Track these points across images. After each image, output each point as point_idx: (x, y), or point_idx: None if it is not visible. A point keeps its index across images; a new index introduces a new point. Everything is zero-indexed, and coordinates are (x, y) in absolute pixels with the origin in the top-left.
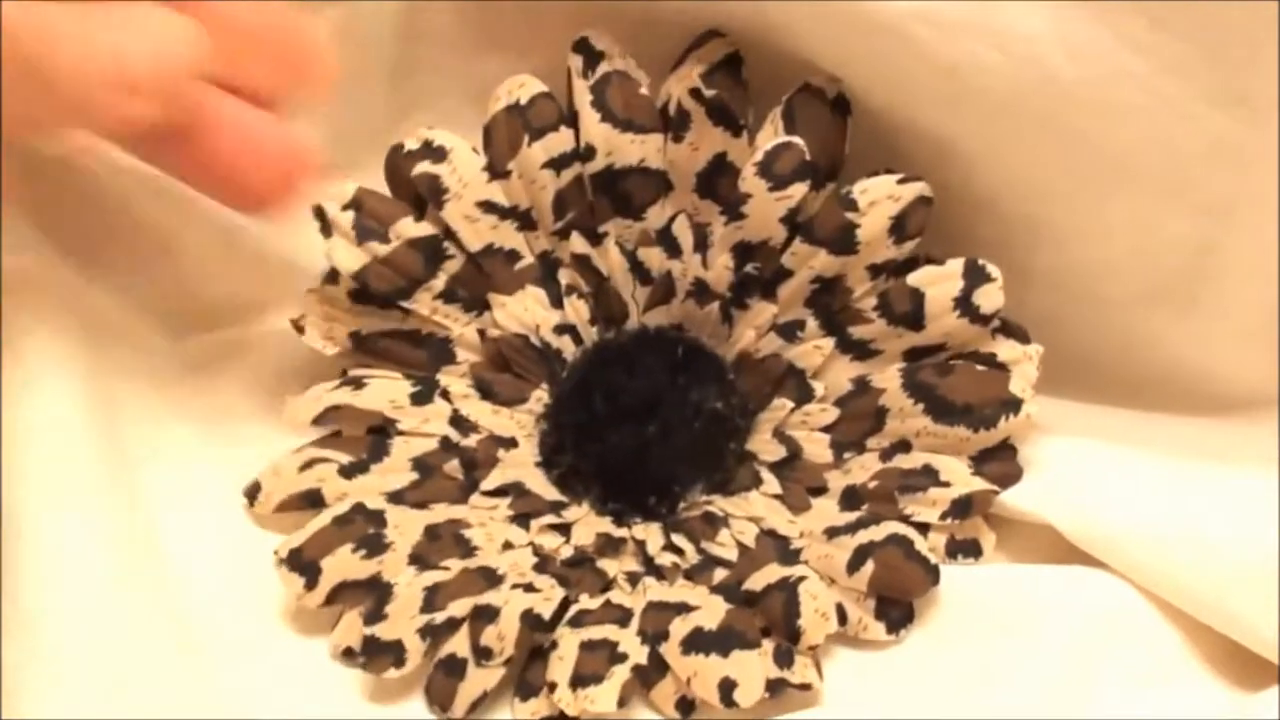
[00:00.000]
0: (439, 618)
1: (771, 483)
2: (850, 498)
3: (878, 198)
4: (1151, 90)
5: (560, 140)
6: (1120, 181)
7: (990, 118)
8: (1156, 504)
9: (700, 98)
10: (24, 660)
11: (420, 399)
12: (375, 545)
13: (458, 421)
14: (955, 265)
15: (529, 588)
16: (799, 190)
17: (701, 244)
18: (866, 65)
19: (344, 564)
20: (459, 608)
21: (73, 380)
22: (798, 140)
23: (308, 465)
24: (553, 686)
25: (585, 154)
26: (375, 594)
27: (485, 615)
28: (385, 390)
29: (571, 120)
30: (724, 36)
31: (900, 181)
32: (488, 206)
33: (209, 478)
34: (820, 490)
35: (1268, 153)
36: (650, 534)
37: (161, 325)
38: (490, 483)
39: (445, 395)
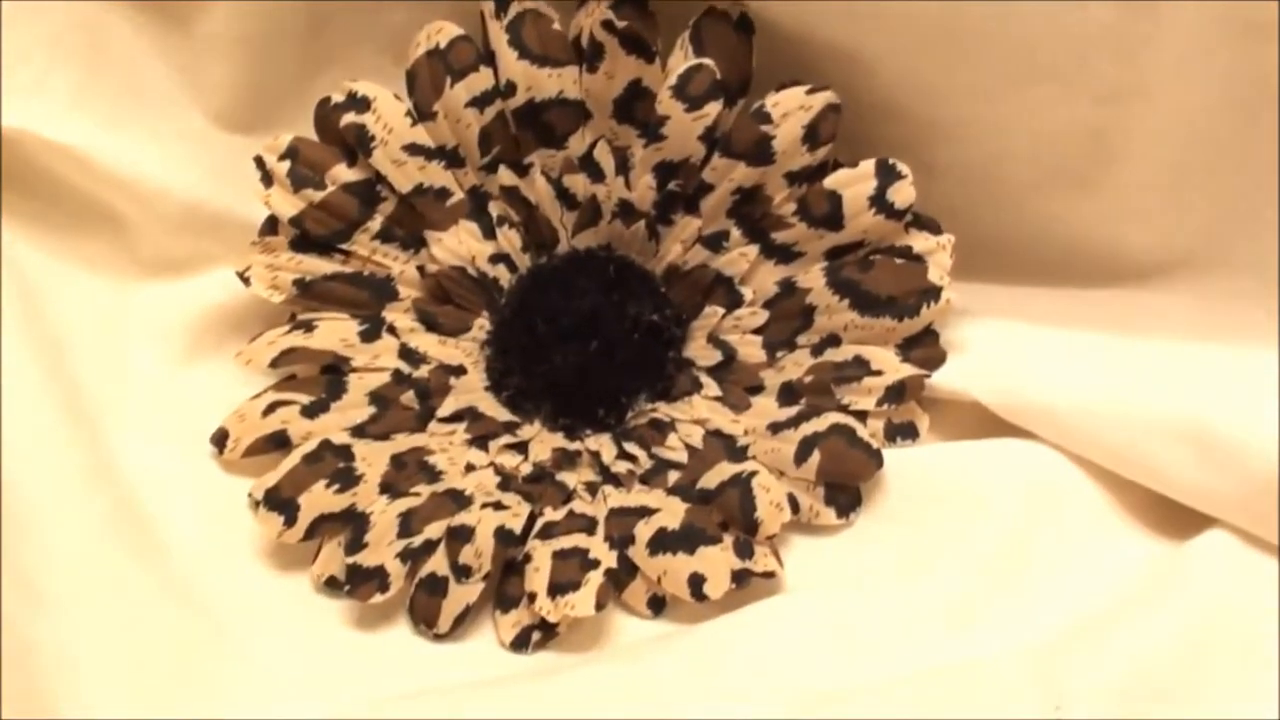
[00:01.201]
0: (416, 541)
1: (711, 386)
2: (788, 393)
3: (790, 109)
4: None
5: (481, 79)
6: (1017, 76)
7: (889, 25)
8: (1077, 374)
9: (612, 29)
10: (27, 613)
11: (369, 336)
12: (347, 478)
13: (407, 354)
14: (867, 166)
15: (498, 505)
16: (714, 108)
17: (623, 166)
18: None
19: (320, 499)
20: (434, 530)
21: (23, 339)
22: (708, 61)
23: (271, 409)
24: (532, 596)
25: (506, 91)
26: (352, 524)
27: (461, 535)
28: (335, 330)
29: (489, 60)
30: None
31: (809, 92)
32: (414, 149)
33: (169, 425)
34: (758, 389)
35: (1156, 38)
36: (603, 445)
37: (109, 282)
38: (445, 409)
39: (392, 330)
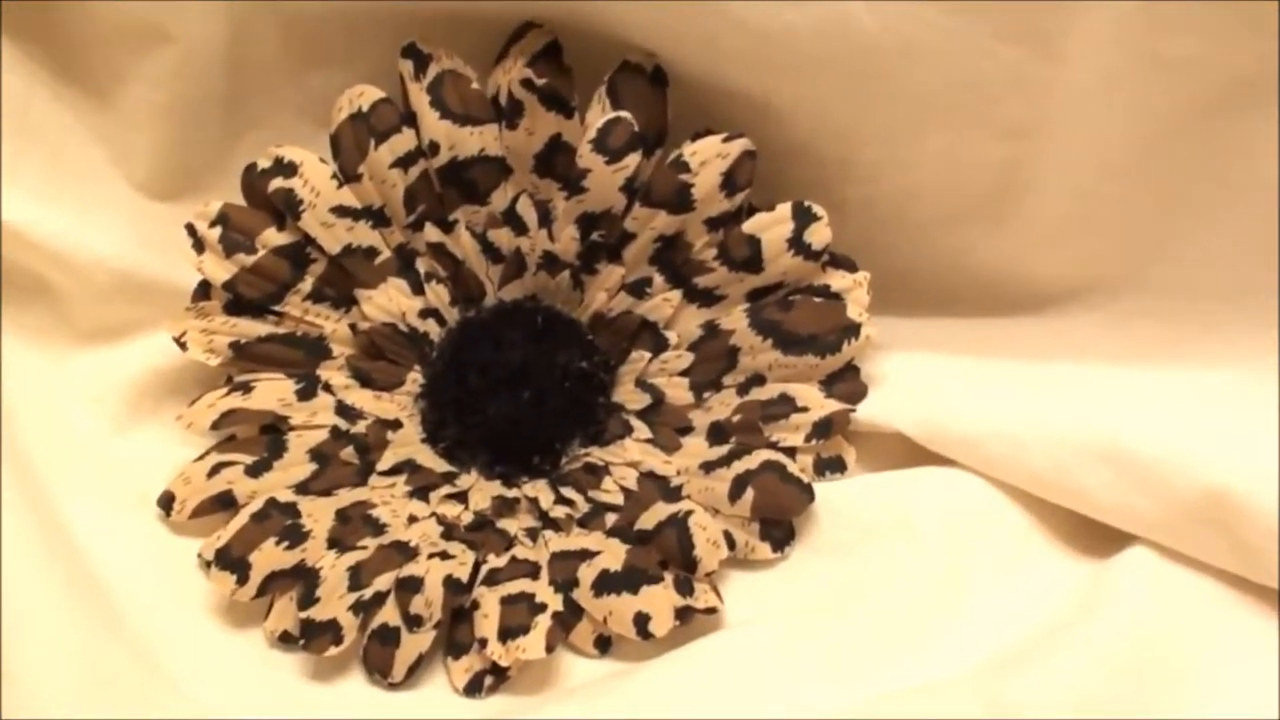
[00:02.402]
0: (367, 593)
1: (641, 429)
2: (717, 433)
3: (707, 157)
4: (949, 31)
5: (404, 140)
6: (927, 118)
7: (800, 75)
8: (995, 401)
9: (531, 86)
10: None
11: (305, 394)
12: (295, 535)
13: (343, 410)
14: (784, 209)
15: (444, 555)
16: (633, 160)
17: (545, 219)
18: (680, 39)
19: (270, 556)
20: (383, 582)
21: None
22: (626, 114)
23: (215, 470)
24: (483, 642)
25: (429, 150)
26: (303, 580)
27: (410, 585)
28: (272, 390)
29: (411, 120)
30: (541, 27)
31: (725, 140)
32: (341, 210)
33: (114, 489)
34: (687, 429)
35: (1061, 75)
36: (540, 491)
37: (46, 352)
38: (385, 463)
39: (328, 388)
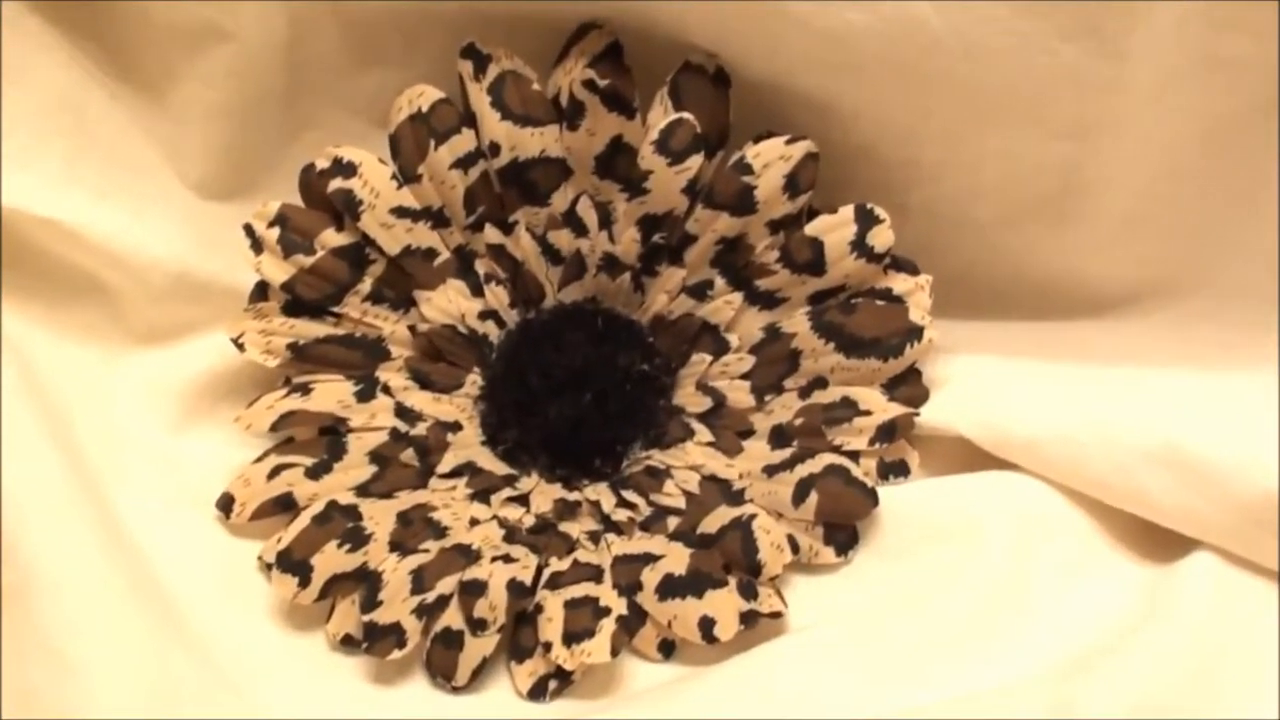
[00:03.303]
0: (430, 597)
1: (703, 432)
2: (779, 436)
3: (770, 159)
4: (1015, 31)
5: (464, 141)
6: (990, 118)
7: (865, 75)
8: (1057, 405)
9: (594, 87)
10: (58, 684)
11: (364, 396)
12: (357, 538)
13: (403, 413)
14: (846, 212)
15: (506, 558)
16: (695, 161)
17: (606, 221)
18: (744, 39)
19: (332, 559)
20: (446, 585)
21: (27, 413)
22: (688, 115)
23: (275, 472)
24: (547, 646)
25: (490, 151)
26: (366, 583)
27: (474, 589)
28: (331, 392)
29: (470, 121)
30: (601, 27)
31: (788, 142)
32: (401, 211)
33: (171, 491)
34: (748, 433)
35: (1123, 75)
36: (602, 494)
37: (101, 352)
38: (445, 465)
39: (387, 390)
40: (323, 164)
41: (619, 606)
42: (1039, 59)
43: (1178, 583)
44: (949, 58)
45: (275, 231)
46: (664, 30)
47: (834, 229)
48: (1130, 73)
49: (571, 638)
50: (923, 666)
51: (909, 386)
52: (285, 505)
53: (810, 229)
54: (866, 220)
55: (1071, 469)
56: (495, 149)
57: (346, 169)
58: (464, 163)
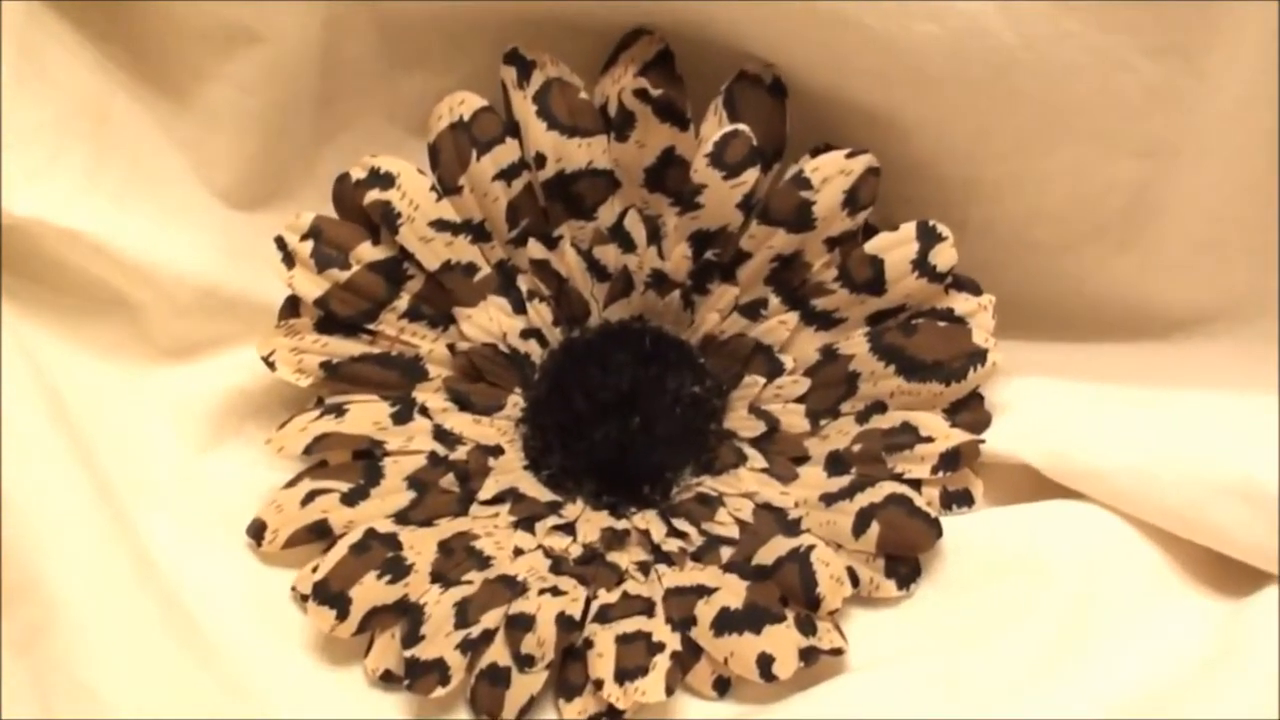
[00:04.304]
0: (475, 631)
1: (756, 457)
2: (836, 463)
3: (830, 174)
4: (1092, 47)
5: (507, 151)
6: (1059, 135)
7: (928, 89)
8: (1124, 432)
9: (645, 97)
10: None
11: (401, 418)
12: (398, 569)
13: (441, 435)
14: (908, 229)
15: (554, 591)
16: (751, 175)
17: (655, 236)
18: (802, 49)
19: (372, 591)
20: (491, 619)
21: (53, 433)
22: (744, 127)
23: (309, 498)
24: (599, 683)
25: (535, 162)
26: (407, 616)
27: (521, 623)
28: (367, 414)
29: (514, 131)
30: (652, 34)
31: (849, 156)
32: (440, 225)
33: (199, 515)
34: (803, 459)
35: (1202, 96)
36: (651, 522)
37: (125, 368)
38: (486, 492)
39: (424, 412)
40: (359, 174)
41: (673, 642)
42: (1117, 76)
43: (1253, 619)
44: (1020, 73)
45: (309, 245)
46: (718, 37)
47: (895, 247)
48: (1209, 91)
49: (624, 675)
50: (990, 707)
51: (971, 411)
52: (320, 533)
53: (870, 247)
54: (929, 238)
55: (1142, 500)
56: (540, 160)
57: (384, 180)
58: (507, 174)
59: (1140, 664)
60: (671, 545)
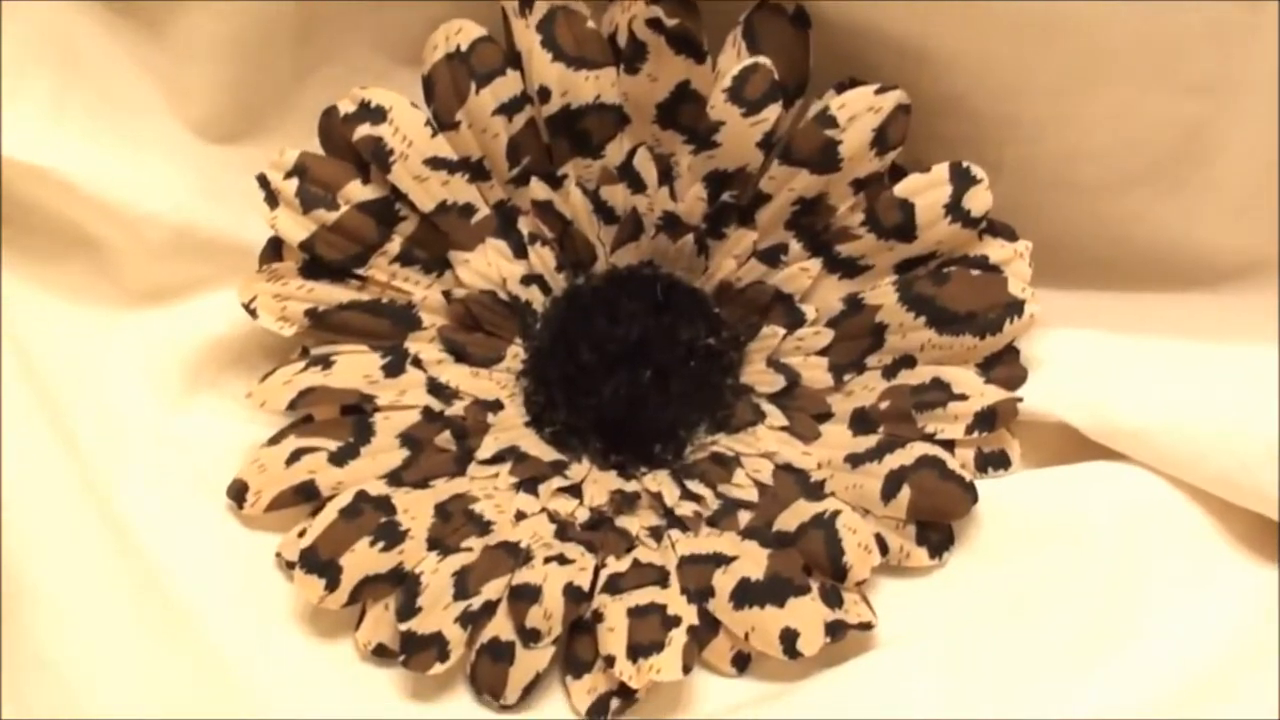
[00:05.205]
0: (475, 603)
1: (775, 414)
2: (862, 421)
3: (857, 111)
4: None
5: (508, 84)
6: (1105, 70)
7: (967, 21)
8: (1168, 388)
9: (659, 27)
10: (59, 706)
11: (392, 370)
12: (392, 534)
13: (436, 389)
14: (940, 171)
15: (561, 559)
16: (773, 112)
17: (667, 176)
18: None
19: (364, 559)
20: (492, 589)
21: (21, 388)
22: (765, 61)
23: (294, 457)
24: (610, 660)
25: (539, 96)
26: (402, 586)
27: (525, 594)
28: (356, 366)
29: (515, 62)
30: None
31: (878, 92)
32: (436, 162)
33: (174, 475)
34: (825, 416)
35: (1265, 29)
36: (663, 484)
37: (94, 314)
38: (485, 450)
39: (417, 363)
40: (348, 107)
41: (690, 616)
42: (1175, 8)
43: None
44: (1066, 9)
45: (293, 183)
46: None
47: (926, 190)
48: (1269, 25)
49: (637, 651)
50: (1026, 687)
51: (1006, 366)
52: (306, 495)
53: (900, 189)
54: (962, 180)
55: (1188, 462)
56: (544, 94)
57: (375, 114)
58: (508, 108)
59: (1188, 637)
60: (685, 509)
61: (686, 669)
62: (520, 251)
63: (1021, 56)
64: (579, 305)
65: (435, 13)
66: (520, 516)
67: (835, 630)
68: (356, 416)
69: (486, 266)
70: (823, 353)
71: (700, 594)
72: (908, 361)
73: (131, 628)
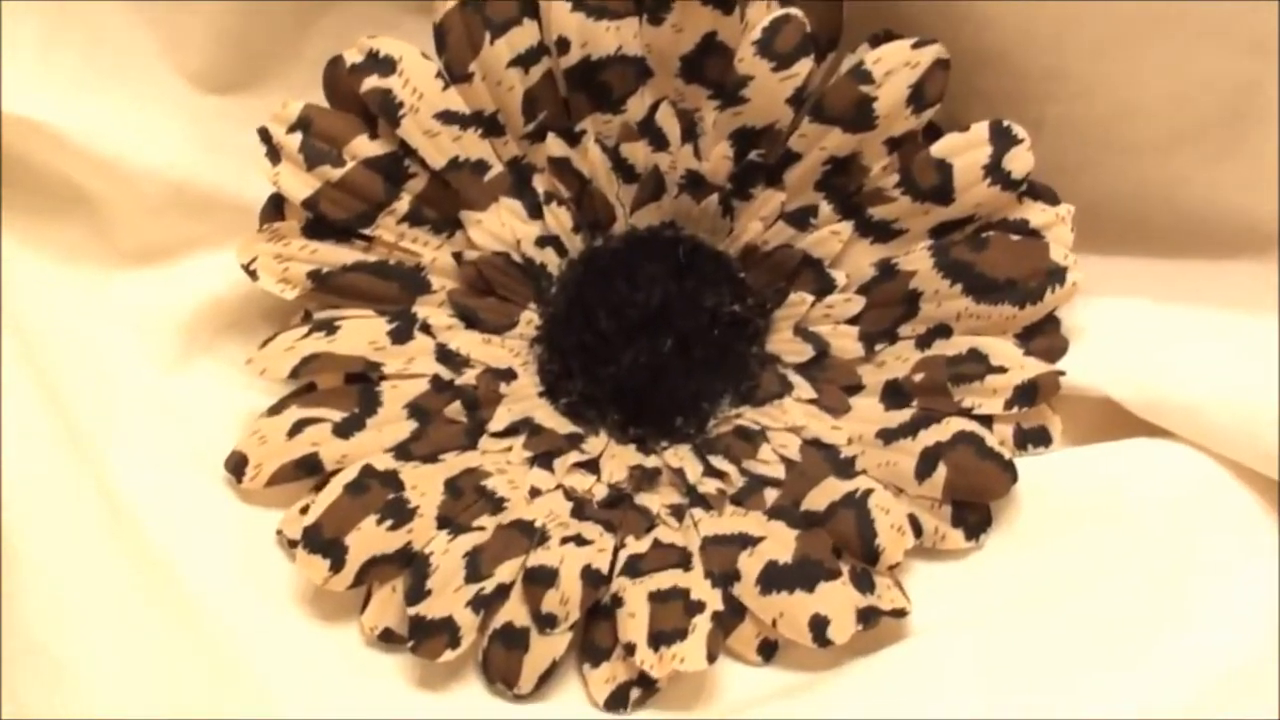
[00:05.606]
0: (488, 586)
1: (803, 386)
2: (894, 394)
3: (894, 66)
4: None
5: (525, 34)
6: (1156, 24)
7: None
8: (1220, 362)
9: None
10: (51, 693)
11: (400, 336)
12: (400, 512)
13: (446, 356)
14: (980, 130)
15: (579, 540)
16: (804, 67)
17: (691, 133)
18: None
19: (370, 538)
20: (506, 571)
21: (18, 357)
22: (797, 12)
23: (297, 428)
24: (630, 648)
25: (557, 47)
26: (411, 568)
27: (541, 577)
28: (361, 331)
29: (532, 10)
30: None
31: (915, 46)
32: (447, 116)
33: (170, 443)
34: (856, 388)
35: None
36: (685, 459)
37: (87, 274)
38: (498, 422)
39: (426, 329)
40: (354, 58)
41: (714, 601)
42: None
43: None
44: None
45: (297, 137)
46: None
47: (965, 150)
48: None
49: (660, 639)
50: (1069, 679)
51: (1046, 337)
52: (309, 468)
53: (937, 149)
54: (1003, 140)
55: (1239, 440)
56: (563, 45)
57: (384, 64)
58: (524, 60)
59: (1238, 626)
60: (709, 486)
61: (711, 658)
62: (535, 211)
63: (1066, 9)
64: (597, 268)
65: None
66: (535, 493)
67: (867, 617)
68: (362, 385)
69: (500, 227)
70: (853, 321)
71: (725, 577)
72: (943, 331)
73: (127, 609)
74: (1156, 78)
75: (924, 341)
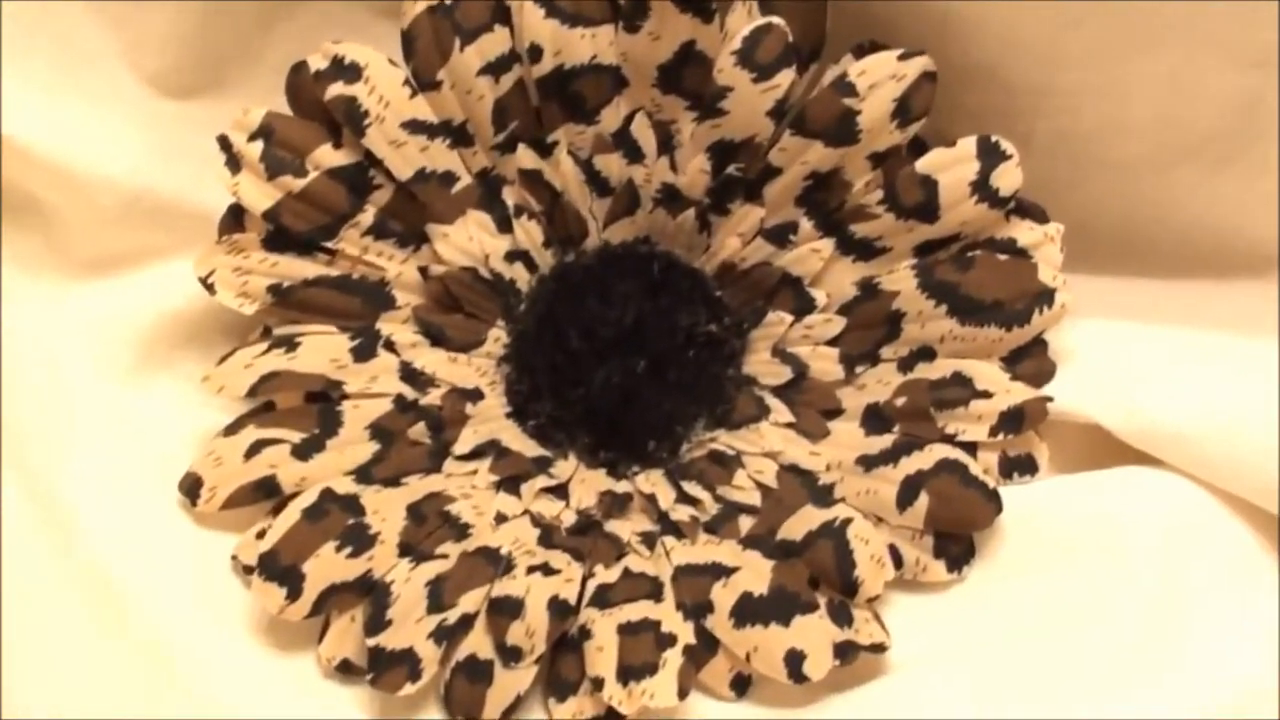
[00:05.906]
0: (451, 616)
1: (780, 410)
2: (875, 419)
3: (878, 79)
4: None
5: (496, 41)
6: (1151, 36)
7: None
8: (1213, 389)
9: None
10: None
11: (363, 354)
12: (360, 538)
13: (410, 375)
14: (967, 145)
15: (546, 569)
16: (786, 78)
17: (667, 145)
18: None
19: (329, 565)
20: (470, 601)
21: None
22: (778, 21)
23: (254, 449)
24: (598, 682)
25: (530, 55)
26: (371, 596)
27: (506, 608)
28: (323, 348)
29: (504, 17)
30: None
31: (901, 58)
32: (415, 126)
33: (124, 463)
34: (835, 412)
35: None
36: (657, 485)
37: (38, 286)
38: (463, 444)
39: (390, 346)
40: (319, 64)
41: (686, 634)
42: None
43: None
44: None
45: (258, 146)
46: None
47: (951, 166)
48: None
49: (628, 673)
50: (1055, 715)
51: (1034, 360)
52: (266, 491)
53: (922, 165)
54: (991, 156)
55: (1231, 470)
56: (536, 53)
57: (349, 71)
58: (495, 68)
59: (1231, 664)
60: (681, 513)
61: (683, 694)
62: (504, 225)
63: (1057, 20)
64: (568, 285)
65: None
66: (500, 519)
67: (845, 652)
68: (322, 405)
69: (467, 241)
70: (833, 342)
71: (697, 609)
72: (926, 354)
73: (75, 636)
74: (1149, 93)
75: (906, 364)
